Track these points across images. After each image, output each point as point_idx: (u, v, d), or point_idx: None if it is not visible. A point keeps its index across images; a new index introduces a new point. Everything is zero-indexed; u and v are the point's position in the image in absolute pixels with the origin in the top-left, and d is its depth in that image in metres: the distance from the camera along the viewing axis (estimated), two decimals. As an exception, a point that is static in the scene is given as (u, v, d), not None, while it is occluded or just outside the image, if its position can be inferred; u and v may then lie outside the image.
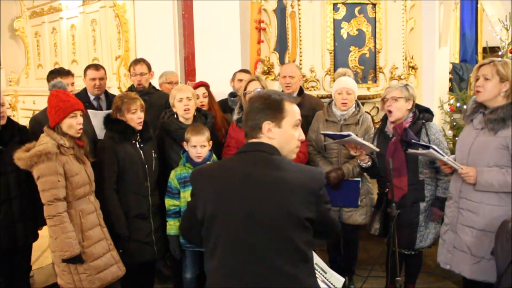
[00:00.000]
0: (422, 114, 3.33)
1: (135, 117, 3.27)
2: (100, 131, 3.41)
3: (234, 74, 4.47)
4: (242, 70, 4.49)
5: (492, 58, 2.84)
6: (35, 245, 3.68)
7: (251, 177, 1.76)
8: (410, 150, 3.07)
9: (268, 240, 1.70)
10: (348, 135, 3.17)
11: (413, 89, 3.39)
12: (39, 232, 3.56)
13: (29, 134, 3.42)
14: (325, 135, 3.45)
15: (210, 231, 1.77)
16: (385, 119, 3.47)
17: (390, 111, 3.29)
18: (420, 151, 3.00)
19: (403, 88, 3.29)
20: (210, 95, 4.05)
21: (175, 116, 3.56)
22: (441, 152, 2.94)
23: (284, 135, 1.84)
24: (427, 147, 2.92)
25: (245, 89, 3.51)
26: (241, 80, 4.33)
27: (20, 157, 2.82)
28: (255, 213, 1.71)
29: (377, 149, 3.33)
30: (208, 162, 3.35)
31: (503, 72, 2.72)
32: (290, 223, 1.71)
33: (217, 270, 1.76)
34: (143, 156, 3.32)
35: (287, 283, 1.69)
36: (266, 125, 1.82)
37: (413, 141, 3.13)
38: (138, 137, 3.33)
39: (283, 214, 1.70)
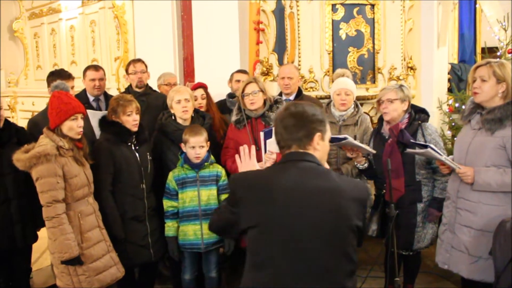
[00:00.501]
0: (418, 114, 3.33)
1: (131, 119, 3.27)
2: (99, 131, 3.42)
3: (232, 75, 4.48)
4: (240, 71, 4.49)
5: (489, 59, 2.85)
6: (34, 246, 3.68)
7: (304, 187, 1.76)
8: (409, 150, 3.08)
9: (325, 250, 1.71)
10: (345, 138, 3.17)
11: (408, 90, 3.40)
12: (38, 233, 3.56)
13: (27, 135, 3.42)
14: None
15: (262, 242, 1.76)
16: (381, 120, 3.47)
17: (386, 113, 3.29)
18: (418, 150, 3.00)
19: (398, 89, 3.29)
20: (208, 97, 4.06)
21: (173, 117, 3.56)
22: (439, 151, 2.94)
23: (325, 148, 1.89)
24: (425, 146, 2.93)
25: (243, 91, 3.50)
26: (238, 81, 4.34)
27: (19, 158, 2.82)
28: (312, 223, 1.71)
29: (373, 151, 3.34)
30: (206, 163, 3.35)
31: (499, 73, 2.73)
32: (346, 233, 1.74)
33: (270, 282, 1.74)
34: (138, 158, 3.32)
35: None
36: (318, 137, 1.84)
37: (411, 140, 3.13)
38: (133, 139, 3.33)
39: (340, 223, 1.73)
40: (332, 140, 3.29)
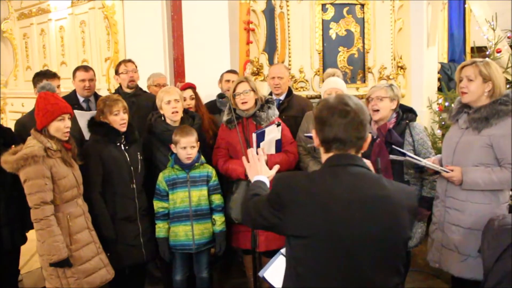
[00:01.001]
0: (405, 114, 3.34)
1: (118, 119, 3.25)
2: (87, 132, 3.40)
3: (222, 75, 4.47)
4: (230, 71, 4.49)
5: (474, 59, 2.87)
6: (23, 248, 3.65)
7: (360, 197, 1.63)
8: (392, 156, 3.08)
9: (379, 266, 1.63)
10: None
11: (398, 89, 3.40)
12: (28, 235, 3.53)
13: (13, 135, 3.39)
14: (308, 137, 3.45)
15: (312, 254, 1.63)
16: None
17: (375, 110, 3.30)
18: (399, 157, 3.02)
19: (388, 88, 3.30)
20: (197, 97, 4.05)
21: (162, 118, 3.55)
22: (417, 158, 2.96)
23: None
24: (403, 155, 2.94)
25: (234, 90, 3.49)
26: (228, 81, 4.33)
27: (7, 160, 2.79)
28: (369, 237, 1.60)
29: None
30: (196, 164, 3.35)
31: (485, 73, 2.75)
32: (401, 246, 1.68)
33: None
34: (128, 158, 3.30)
35: None
36: (367, 140, 1.75)
37: (393, 147, 3.13)
38: (122, 139, 3.31)
39: (396, 237, 1.65)
40: None
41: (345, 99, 1.72)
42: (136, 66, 4.41)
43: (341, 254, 1.60)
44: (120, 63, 4.48)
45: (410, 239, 1.74)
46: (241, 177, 3.43)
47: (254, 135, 3.19)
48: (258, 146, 3.22)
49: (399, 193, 1.69)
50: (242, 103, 3.45)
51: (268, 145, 3.34)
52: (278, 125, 3.34)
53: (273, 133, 3.32)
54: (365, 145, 1.74)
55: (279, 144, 3.44)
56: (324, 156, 1.76)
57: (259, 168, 2.14)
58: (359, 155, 1.74)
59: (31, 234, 3.48)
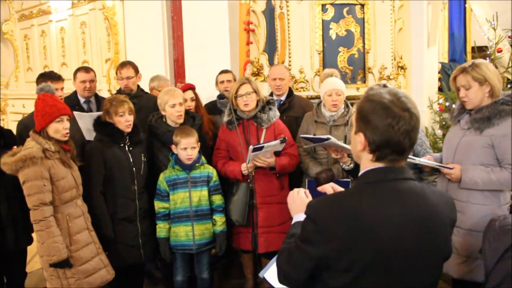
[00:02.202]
0: None
1: (123, 120, 3.26)
2: (87, 133, 3.40)
3: (216, 78, 4.45)
4: (223, 71, 4.47)
5: (463, 66, 2.81)
6: (25, 249, 3.65)
7: (407, 218, 1.47)
8: None
9: (426, 280, 1.53)
10: (328, 139, 3.17)
11: None
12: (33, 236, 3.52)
13: (15, 137, 3.39)
14: (305, 138, 3.45)
15: (368, 280, 1.45)
16: None
17: None
18: None
19: None
20: (197, 98, 4.05)
21: (163, 119, 3.55)
22: (411, 157, 2.95)
23: None
24: None
25: (236, 92, 3.48)
26: (223, 82, 4.34)
27: (6, 162, 2.80)
28: (416, 263, 1.48)
29: None
30: (197, 164, 3.35)
31: (479, 77, 2.72)
32: (441, 262, 1.57)
33: None
34: (131, 159, 3.31)
35: None
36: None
37: None
38: (127, 140, 3.32)
39: (440, 257, 1.56)
40: (315, 141, 3.32)
41: (403, 103, 1.48)
42: (135, 70, 4.35)
43: (392, 278, 1.46)
44: (118, 67, 4.44)
45: (449, 251, 1.60)
46: (238, 178, 3.43)
47: (251, 147, 3.19)
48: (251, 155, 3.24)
49: (442, 206, 1.54)
50: (244, 105, 3.45)
51: (264, 154, 3.34)
52: (283, 141, 3.33)
53: (275, 147, 3.31)
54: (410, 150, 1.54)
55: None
56: (369, 163, 1.53)
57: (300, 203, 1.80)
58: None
59: (34, 235, 3.49)
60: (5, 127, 3.85)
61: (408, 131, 1.45)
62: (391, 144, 1.47)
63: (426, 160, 2.94)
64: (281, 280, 1.62)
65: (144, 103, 4.21)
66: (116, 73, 4.43)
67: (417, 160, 2.92)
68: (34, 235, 3.46)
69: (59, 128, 2.91)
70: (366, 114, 1.50)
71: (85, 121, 3.41)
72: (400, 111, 1.45)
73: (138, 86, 4.42)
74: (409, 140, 1.47)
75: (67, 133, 2.95)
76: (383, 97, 1.48)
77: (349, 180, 3.63)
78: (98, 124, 3.33)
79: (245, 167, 3.34)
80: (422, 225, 1.47)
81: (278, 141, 3.30)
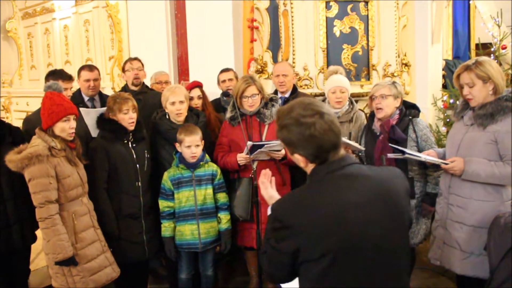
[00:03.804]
0: (408, 110, 3.33)
1: (127, 117, 3.27)
2: (93, 129, 3.41)
3: (218, 77, 4.45)
4: (224, 70, 4.46)
5: (466, 63, 2.81)
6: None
7: (364, 197, 1.58)
8: (389, 155, 3.07)
9: (399, 257, 1.63)
10: None
11: (401, 87, 3.39)
12: (37, 234, 3.54)
13: (23, 135, 3.40)
14: None
15: (341, 265, 1.54)
16: (371, 116, 3.46)
17: (379, 109, 3.29)
18: (398, 156, 3.01)
19: (392, 86, 3.28)
20: (204, 96, 4.05)
21: (167, 116, 3.55)
22: (416, 154, 2.95)
23: None
24: (402, 152, 2.93)
25: (242, 92, 3.48)
26: (225, 81, 4.33)
27: (11, 159, 2.80)
28: (384, 228, 1.58)
29: (363, 148, 3.33)
30: (201, 163, 3.35)
31: (482, 74, 2.72)
32: (407, 231, 1.67)
33: None
34: (135, 156, 3.31)
35: None
36: None
37: (390, 144, 3.12)
38: (130, 137, 3.32)
39: (402, 224, 1.65)
40: None
41: (308, 103, 1.64)
42: (142, 65, 4.43)
43: (365, 257, 1.55)
44: (126, 61, 4.52)
45: (411, 218, 1.72)
46: (234, 167, 3.44)
47: (250, 143, 3.19)
48: (252, 151, 3.23)
49: (394, 179, 1.68)
50: (250, 106, 3.47)
51: (263, 153, 3.34)
52: None
53: (274, 147, 3.31)
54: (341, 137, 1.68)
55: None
56: (312, 167, 1.65)
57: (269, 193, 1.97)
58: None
59: (38, 233, 3.50)
60: (10, 125, 3.86)
61: (328, 129, 1.59)
62: (323, 147, 1.60)
63: (430, 157, 2.94)
64: (270, 280, 1.77)
65: (149, 100, 4.23)
66: (123, 68, 4.44)
67: (423, 157, 2.91)
68: (38, 232, 3.49)
69: (65, 128, 2.91)
70: (288, 139, 1.64)
71: (92, 118, 3.41)
72: (311, 118, 1.58)
73: (143, 83, 4.44)
74: (333, 134, 1.60)
75: (72, 133, 2.96)
76: (291, 116, 1.61)
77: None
78: (102, 121, 3.34)
79: (241, 157, 3.34)
80: (380, 200, 1.58)
81: (279, 142, 3.30)
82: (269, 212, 1.80)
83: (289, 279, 1.68)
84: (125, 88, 4.40)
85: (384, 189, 1.62)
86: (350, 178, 1.60)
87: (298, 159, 1.66)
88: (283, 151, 3.34)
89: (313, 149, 1.61)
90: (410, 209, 1.68)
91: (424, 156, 2.93)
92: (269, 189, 1.99)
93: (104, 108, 3.45)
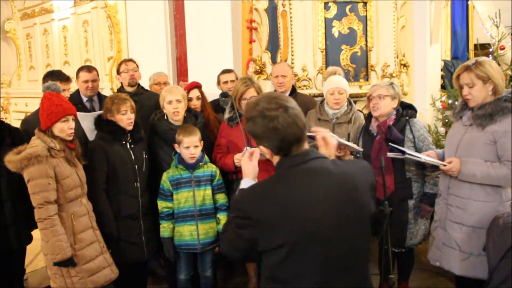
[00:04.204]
0: (405, 110, 3.34)
1: (125, 118, 3.27)
2: (90, 133, 3.40)
3: (218, 77, 4.46)
4: (225, 71, 4.47)
5: (466, 64, 2.81)
6: (28, 248, 3.66)
7: (322, 190, 1.64)
8: (389, 154, 3.07)
9: (357, 248, 1.70)
10: None
11: (399, 88, 3.39)
12: (32, 234, 3.54)
13: (22, 136, 3.40)
14: (308, 137, 3.44)
15: (292, 258, 1.61)
16: (369, 117, 3.47)
17: (376, 109, 3.29)
18: (398, 156, 3.01)
19: (389, 87, 3.29)
20: (203, 96, 4.05)
21: (165, 117, 3.56)
22: (416, 154, 2.95)
23: None
24: (402, 153, 2.94)
25: (241, 95, 3.49)
26: (226, 82, 4.34)
27: (11, 159, 2.80)
28: (343, 220, 1.64)
29: (361, 149, 3.34)
30: (200, 163, 3.35)
31: (482, 74, 2.72)
32: (367, 223, 1.72)
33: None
34: (133, 157, 3.31)
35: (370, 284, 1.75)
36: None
37: (390, 144, 3.13)
38: (128, 138, 3.33)
39: (364, 216, 1.70)
40: None
41: (270, 96, 1.71)
42: (137, 65, 4.42)
43: (319, 250, 1.62)
44: (121, 63, 4.52)
45: (373, 212, 1.75)
46: (232, 169, 3.45)
47: (247, 149, 3.19)
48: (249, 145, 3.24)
49: (357, 173, 1.73)
50: None
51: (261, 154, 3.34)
52: None
53: None
54: (306, 132, 1.73)
55: None
56: (277, 159, 1.71)
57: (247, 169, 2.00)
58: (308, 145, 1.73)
59: (35, 234, 3.50)
60: (9, 126, 3.87)
61: (292, 122, 1.64)
62: (286, 140, 1.66)
63: (430, 158, 2.94)
64: (226, 257, 1.86)
65: (145, 101, 4.24)
66: (118, 70, 4.44)
67: (423, 158, 2.92)
68: (34, 233, 3.49)
69: (64, 128, 2.91)
70: (253, 131, 1.71)
71: (89, 122, 3.41)
72: (275, 112, 1.64)
73: (139, 84, 4.44)
74: (297, 127, 1.65)
75: (71, 133, 2.96)
76: (257, 109, 1.68)
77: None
78: (100, 122, 3.34)
79: (237, 159, 3.34)
80: (338, 194, 1.64)
81: None
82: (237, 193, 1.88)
83: (243, 260, 1.83)
84: (120, 90, 4.40)
85: (344, 183, 1.67)
86: (310, 173, 1.66)
87: (264, 150, 1.73)
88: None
89: (277, 141, 1.67)
90: (372, 202, 1.73)
91: (424, 157, 2.94)
92: (247, 161, 1.99)
93: (100, 112, 3.45)
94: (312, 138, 3.35)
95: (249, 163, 1.97)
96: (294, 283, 1.63)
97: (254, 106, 1.70)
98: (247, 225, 1.65)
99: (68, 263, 2.82)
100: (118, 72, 4.44)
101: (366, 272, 1.75)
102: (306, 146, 1.72)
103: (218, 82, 4.46)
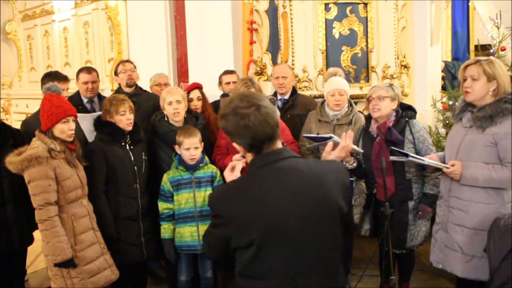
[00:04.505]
0: (405, 112, 3.33)
1: (124, 119, 3.27)
2: (89, 134, 3.40)
3: (220, 78, 4.46)
4: (227, 72, 4.48)
5: (478, 58, 2.83)
6: (29, 249, 3.66)
7: (291, 189, 1.68)
8: (392, 157, 3.08)
9: (325, 244, 1.73)
10: (330, 137, 3.17)
11: (399, 89, 3.39)
12: (34, 235, 3.54)
13: (23, 137, 3.41)
14: (308, 138, 3.45)
15: (263, 256, 1.66)
16: (369, 119, 3.47)
17: (375, 110, 3.29)
18: (401, 158, 3.01)
19: (389, 88, 3.29)
20: (203, 97, 4.05)
21: (166, 118, 3.56)
22: (419, 157, 2.96)
23: None
24: (406, 155, 2.94)
25: None
26: (228, 83, 4.34)
27: (11, 161, 2.80)
28: (306, 220, 1.68)
29: (361, 150, 3.34)
30: (201, 164, 3.34)
31: (489, 72, 2.72)
32: (336, 220, 1.75)
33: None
34: (132, 158, 3.31)
35: (339, 283, 1.78)
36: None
37: (392, 148, 3.13)
38: (128, 139, 3.33)
39: (330, 213, 1.73)
40: (318, 140, 3.32)
41: (244, 95, 1.74)
42: (135, 66, 4.41)
43: (288, 246, 1.66)
44: (118, 64, 4.50)
45: (345, 211, 1.78)
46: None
47: None
48: None
49: (329, 173, 1.76)
50: None
51: None
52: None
53: None
54: (278, 131, 1.76)
55: None
56: (250, 157, 1.76)
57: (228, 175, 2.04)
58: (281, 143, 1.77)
59: (36, 235, 3.50)
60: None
61: (263, 121, 1.68)
62: (257, 138, 1.69)
63: (433, 161, 2.94)
64: (207, 256, 1.98)
65: (144, 102, 4.23)
66: (116, 71, 4.42)
67: (426, 161, 2.91)
68: (35, 234, 3.49)
69: (65, 129, 2.91)
70: (226, 128, 1.75)
71: (88, 123, 3.41)
72: (246, 110, 1.68)
73: (137, 85, 4.43)
74: (269, 126, 1.69)
75: (72, 134, 2.96)
76: (230, 107, 1.72)
77: (352, 179, 3.61)
78: (99, 123, 3.34)
79: (235, 159, 3.34)
80: (307, 194, 1.67)
81: None
82: None
83: (222, 258, 1.94)
84: (118, 91, 4.39)
85: (314, 183, 1.70)
86: (281, 172, 1.70)
87: (237, 147, 1.77)
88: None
89: (248, 139, 1.70)
90: (344, 201, 1.76)
91: (427, 160, 2.94)
92: (229, 174, 2.03)
93: (99, 113, 3.45)
94: (314, 139, 3.38)
95: (231, 176, 2.01)
96: (265, 280, 1.68)
97: (227, 104, 1.74)
98: (220, 223, 1.71)
99: (68, 264, 2.82)
100: (116, 73, 4.43)
101: (337, 271, 1.78)
102: (279, 144, 1.76)
103: (220, 83, 4.47)
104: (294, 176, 1.69)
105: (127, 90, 4.32)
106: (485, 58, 2.80)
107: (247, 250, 1.66)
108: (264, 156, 1.73)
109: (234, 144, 1.78)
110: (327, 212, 1.71)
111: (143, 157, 3.39)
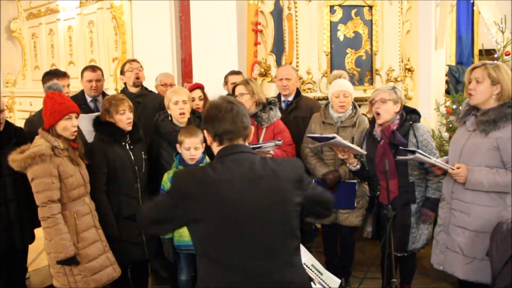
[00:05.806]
0: (409, 115, 3.33)
1: (124, 118, 3.26)
2: (88, 134, 3.39)
3: (226, 77, 4.47)
4: (233, 72, 4.47)
5: (485, 61, 2.85)
6: (31, 246, 3.67)
7: (246, 177, 1.85)
8: (399, 157, 3.08)
9: (272, 229, 1.84)
10: (333, 138, 3.18)
11: (401, 92, 3.39)
12: (35, 233, 3.55)
13: (26, 136, 3.41)
14: (312, 138, 3.46)
15: (211, 235, 1.82)
16: (372, 122, 3.47)
17: (378, 113, 3.29)
18: (408, 157, 3.01)
19: (391, 91, 3.29)
20: (205, 97, 4.06)
21: (169, 118, 3.56)
22: (427, 155, 2.96)
23: None
24: (413, 152, 2.94)
25: (232, 93, 3.55)
26: (234, 84, 4.35)
27: (14, 159, 2.81)
28: (256, 207, 1.82)
29: (364, 152, 3.34)
30: (201, 164, 3.34)
31: (494, 75, 2.73)
32: (289, 211, 1.87)
33: (226, 272, 1.83)
34: (132, 158, 3.31)
35: (294, 273, 1.89)
36: (252, 129, 1.99)
37: (400, 147, 3.13)
38: (127, 139, 3.32)
39: (282, 204, 1.86)
40: (321, 140, 3.32)
41: (228, 98, 1.99)
42: (141, 66, 4.40)
43: (237, 229, 1.81)
44: (125, 63, 4.48)
45: (300, 203, 1.92)
46: None
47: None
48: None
49: (282, 167, 1.90)
50: None
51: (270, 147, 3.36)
52: (276, 144, 3.36)
53: (269, 148, 3.34)
54: (250, 135, 1.96)
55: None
56: (216, 149, 1.94)
57: None
58: (247, 143, 1.96)
59: (38, 232, 3.51)
60: (13, 125, 3.89)
61: (231, 117, 1.88)
62: (220, 129, 1.89)
63: (435, 158, 2.94)
64: (139, 220, 2.09)
65: (149, 102, 4.22)
66: (122, 70, 4.41)
67: (433, 159, 2.92)
68: (36, 232, 3.50)
69: (68, 126, 2.92)
70: (203, 115, 1.99)
71: (86, 122, 3.39)
72: (221, 105, 1.91)
73: (143, 85, 4.43)
74: (234, 124, 1.89)
75: (75, 131, 2.97)
76: (215, 100, 1.96)
77: (355, 181, 3.63)
78: (98, 123, 3.33)
79: None
80: (258, 183, 1.84)
81: (273, 143, 3.32)
82: None
83: (148, 228, 2.25)
84: (124, 91, 4.38)
85: (265, 174, 1.85)
86: (235, 163, 1.87)
87: (205, 135, 1.97)
88: (271, 152, 3.39)
89: (213, 128, 1.91)
90: (296, 192, 1.90)
91: (434, 159, 2.94)
92: None
93: (98, 113, 3.45)
94: (317, 139, 3.38)
95: None
96: (223, 261, 1.82)
97: (213, 102, 1.97)
98: (171, 194, 1.93)
99: (71, 261, 2.82)
100: (122, 72, 4.40)
101: (292, 260, 1.90)
102: (240, 142, 1.92)
103: (226, 83, 4.47)
104: (245, 167, 1.86)
105: (133, 90, 4.30)
106: (492, 62, 2.82)
107: (195, 226, 1.84)
108: (223, 149, 1.91)
109: (204, 131, 1.98)
110: (277, 202, 1.85)
111: (143, 157, 3.39)
